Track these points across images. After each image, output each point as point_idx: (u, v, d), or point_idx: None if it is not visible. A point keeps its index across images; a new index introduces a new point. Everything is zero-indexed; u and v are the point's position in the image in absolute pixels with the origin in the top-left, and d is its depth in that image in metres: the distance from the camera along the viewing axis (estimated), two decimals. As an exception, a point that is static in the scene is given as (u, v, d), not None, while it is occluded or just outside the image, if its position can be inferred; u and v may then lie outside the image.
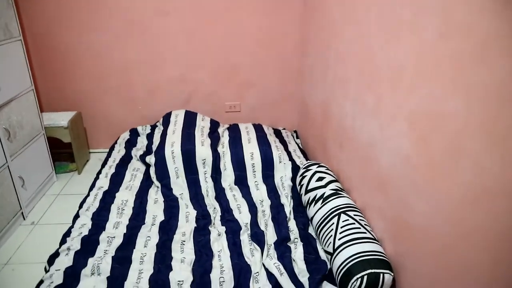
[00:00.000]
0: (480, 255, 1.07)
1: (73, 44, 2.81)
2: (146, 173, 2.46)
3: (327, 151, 2.41)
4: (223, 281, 1.67)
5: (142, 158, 2.59)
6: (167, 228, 1.99)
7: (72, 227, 1.99)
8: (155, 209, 2.15)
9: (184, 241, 1.91)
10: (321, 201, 1.95)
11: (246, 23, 2.84)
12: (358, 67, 1.89)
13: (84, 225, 1.99)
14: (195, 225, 2.02)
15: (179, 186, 2.34)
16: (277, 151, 2.48)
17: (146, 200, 2.22)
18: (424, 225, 1.36)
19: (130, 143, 2.84)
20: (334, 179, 2.09)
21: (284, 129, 3.15)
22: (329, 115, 2.36)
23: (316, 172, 2.15)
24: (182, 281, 1.66)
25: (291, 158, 2.53)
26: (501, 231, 0.99)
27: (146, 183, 2.37)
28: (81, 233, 1.93)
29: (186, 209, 2.16)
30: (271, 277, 1.69)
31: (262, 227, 2.02)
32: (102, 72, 2.92)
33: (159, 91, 3.03)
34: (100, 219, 2.03)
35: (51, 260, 1.79)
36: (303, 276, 1.71)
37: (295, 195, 2.26)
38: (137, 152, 2.70)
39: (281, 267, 1.74)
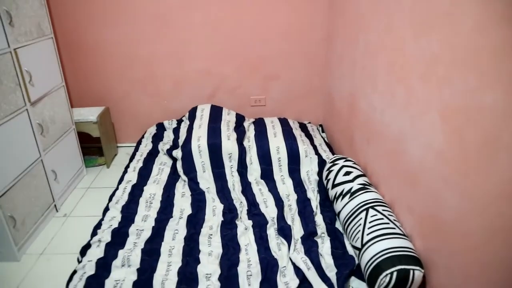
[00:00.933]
0: (518, 252, 1.04)
1: (100, 40, 2.87)
2: (173, 167, 2.50)
3: (353, 145, 2.38)
4: (250, 275, 1.68)
5: (169, 152, 2.63)
6: (194, 222, 2.01)
7: (102, 219, 2.05)
8: (182, 203, 2.18)
9: (211, 234, 1.93)
10: (348, 195, 1.93)
11: (272, 16, 2.82)
12: (388, 59, 1.84)
13: (114, 217, 2.04)
14: (222, 219, 2.04)
15: (206, 180, 2.37)
16: (303, 145, 2.47)
17: (173, 194, 2.25)
18: (457, 221, 1.32)
19: (157, 138, 2.89)
20: (361, 173, 2.06)
21: (309, 123, 3.13)
22: (356, 109, 2.32)
23: (343, 166, 2.12)
24: (210, 274, 1.67)
25: (317, 152, 2.50)
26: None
27: (173, 177, 2.41)
28: (111, 225, 1.98)
29: (213, 203, 2.18)
30: (298, 271, 1.68)
31: (289, 222, 2.01)
32: (129, 67, 2.97)
33: (184, 85, 3.05)
34: (129, 212, 2.08)
35: (83, 251, 1.85)
36: (331, 271, 1.70)
37: (322, 189, 2.24)
38: (164, 146, 2.73)
39: (308, 261, 1.73)
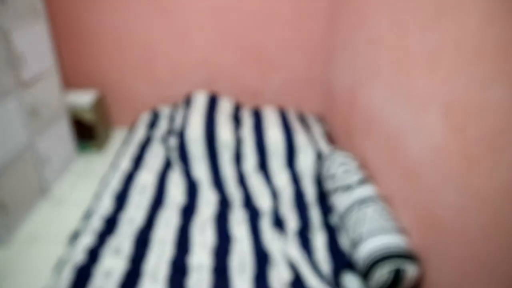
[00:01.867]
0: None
1: (96, 21, 2.79)
2: (167, 156, 2.45)
3: (353, 138, 2.34)
4: (243, 267, 1.65)
5: (163, 140, 2.58)
6: (188, 212, 1.98)
7: (93, 207, 2.01)
8: (176, 192, 2.14)
9: (204, 225, 1.90)
10: (346, 190, 1.90)
11: (272, 3, 2.75)
12: (391, 52, 1.80)
13: (105, 205, 2.00)
14: (216, 210, 2.00)
15: (200, 170, 2.32)
16: (301, 137, 2.43)
17: (167, 183, 2.20)
18: (456, 219, 1.30)
19: (151, 124, 2.83)
20: (359, 167, 2.03)
21: (308, 114, 3.08)
22: (356, 101, 2.28)
23: (341, 159, 2.08)
24: (202, 265, 1.64)
25: (315, 144, 2.46)
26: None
27: (167, 166, 2.36)
28: (103, 213, 1.94)
29: (207, 193, 2.15)
30: (292, 265, 1.66)
31: (284, 215, 1.98)
32: (125, 50, 2.90)
33: (182, 71, 2.99)
34: (121, 200, 2.04)
35: (73, 239, 1.81)
36: (325, 265, 1.68)
37: (318, 182, 2.21)
38: (158, 133, 2.68)
39: (303, 255, 1.70)
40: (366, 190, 1.84)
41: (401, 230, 1.62)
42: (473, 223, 1.20)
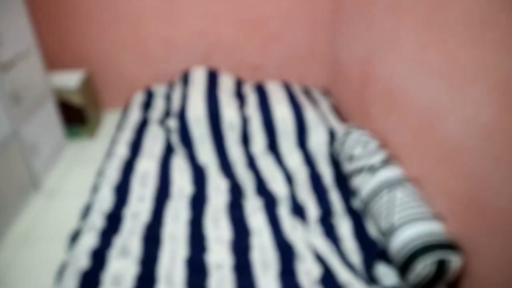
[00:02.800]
0: None
1: (78, -7, 2.50)
2: (167, 139, 2.25)
3: (369, 114, 2.17)
4: (267, 263, 1.51)
5: (162, 122, 2.37)
6: (198, 202, 1.81)
7: (92, 201, 1.82)
8: (182, 180, 1.96)
9: (217, 216, 1.73)
10: (369, 171, 1.75)
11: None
12: (418, 19, 1.61)
13: (105, 199, 1.81)
14: (228, 198, 1.84)
15: (205, 154, 2.14)
16: (311, 113, 2.25)
17: (171, 170, 2.02)
18: (505, 205, 1.16)
19: (146, 105, 2.61)
20: (381, 146, 1.87)
21: (312, 87, 2.89)
22: (372, 74, 2.10)
23: (359, 138, 1.93)
24: (222, 263, 1.49)
25: (326, 121, 2.29)
26: None
27: (168, 151, 2.17)
28: (103, 208, 1.75)
29: (215, 179, 1.97)
30: (318, 256, 1.52)
31: (302, 200, 1.83)
32: (112, 24, 2.63)
33: (176, 45, 2.74)
34: (122, 192, 1.85)
35: (73, 239, 1.63)
36: (354, 255, 1.55)
37: (334, 163, 2.06)
38: (154, 115, 2.47)
39: (329, 245, 1.57)
40: (391, 172, 1.69)
41: (437, 217, 1.49)
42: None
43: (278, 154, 2.16)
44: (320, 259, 1.51)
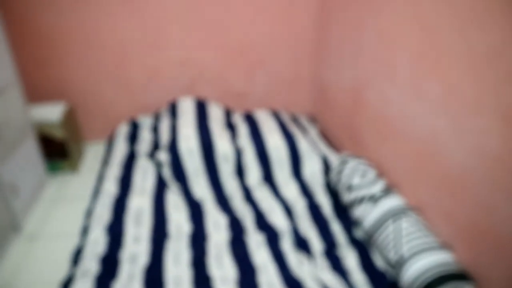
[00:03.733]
0: None
1: (58, 24, 2.41)
2: (158, 173, 2.17)
3: (361, 142, 2.19)
4: (277, 303, 1.45)
5: (151, 155, 2.29)
6: (198, 240, 1.73)
7: (83, 244, 1.70)
8: (178, 217, 1.88)
9: (220, 254, 1.66)
10: (370, 201, 1.75)
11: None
12: (413, 50, 1.65)
13: (98, 241, 1.70)
14: (229, 234, 1.78)
15: (201, 188, 2.08)
16: (304, 142, 2.24)
17: (165, 206, 1.94)
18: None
19: (132, 137, 2.52)
20: (379, 175, 1.88)
21: (299, 114, 2.90)
22: (363, 102, 2.13)
23: (357, 166, 1.93)
24: (231, 307, 1.43)
25: (318, 149, 2.29)
26: None
27: (160, 185, 2.08)
28: (97, 251, 1.64)
29: (213, 215, 1.91)
30: (329, 293, 1.48)
31: (304, 233, 1.80)
32: (93, 55, 2.54)
33: (160, 75, 2.69)
34: (115, 233, 1.75)
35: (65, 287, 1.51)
36: (365, 290, 1.52)
37: (331, 193, 2.04)
38: (142, 148, 2.38)
39: (337, 279, 1.53)
40: (393, 201, 1.70)
41: (445, 246, 1.49)
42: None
43: (274, 185, 2.13)
44: (331, 295, 1.48)
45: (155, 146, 2.37)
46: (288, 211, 1.93)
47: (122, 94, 2.72)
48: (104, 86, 2.66)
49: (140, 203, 1.93)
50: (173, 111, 2.48)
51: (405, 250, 1.49)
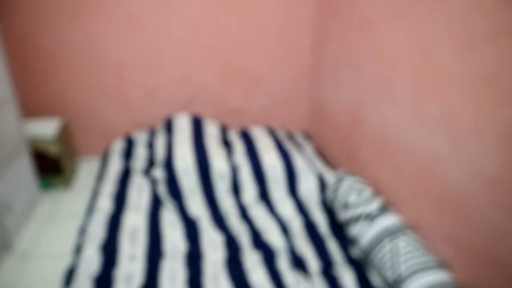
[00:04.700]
0: None
1: (57, 41, 2.42)
2: (154, 191, 2.15)
3: (358, 161, 2.20)
4: (274, 324, 1.43)
5: (146, 172, 2.27)
6: (194, 259, 1.71)
7: (76, 264, 1.67)
8: (174, 235, 1.86)
9: (216, 274, 1.64)
10: (367, 219, 1.74)
11: (254, 19, 2.56)
12: (412, 72, 1.67)
13: (92, 260, 1.67)
14: (225, 253, 1.76)
15: (196, 206, 2.06)
16: (300, 160, 2.25)
17: (161, 224, 1.91)
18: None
19: (126, 154, 2.50)
20: (375, 193, 1.89)
21: (294, 132, 2.91)
22: (361, 121, 2.15)
23: (353, 185, 1.93)
24: (228, 328, 1.40)
25: (314, 167, 2.30)
26: None
27: (155, 203, 2.06)
28: (90, 271, 1.61)
29: (209, 233, 1.89)
30: (327, 314, 1.47)
31: (300, 251, 1.78)
32: (91, 71, 2.54)
33: (157, 92, 2.69)
34: (110, 251, 1.72)
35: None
36: (362, 311, 1.51)
37: (327, 211, 2.04)
38: (137, 164, 2.37)
39: (336, 301, 1.52)
40: (390, 220, 1.70)
41: (443, 265, 1.49)
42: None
43: (270, 203, 2.12)
44: (329, 316, 1.46)
45: (151, 162, 2.36)
46: (284, 229, 1.92)
47: (118, 110, 2.71)
48: (100, 102, 2.66)
49: (135, 221, 1.91)
50: (168, 127, 2.48)
51: (403, 269, 1.48)
